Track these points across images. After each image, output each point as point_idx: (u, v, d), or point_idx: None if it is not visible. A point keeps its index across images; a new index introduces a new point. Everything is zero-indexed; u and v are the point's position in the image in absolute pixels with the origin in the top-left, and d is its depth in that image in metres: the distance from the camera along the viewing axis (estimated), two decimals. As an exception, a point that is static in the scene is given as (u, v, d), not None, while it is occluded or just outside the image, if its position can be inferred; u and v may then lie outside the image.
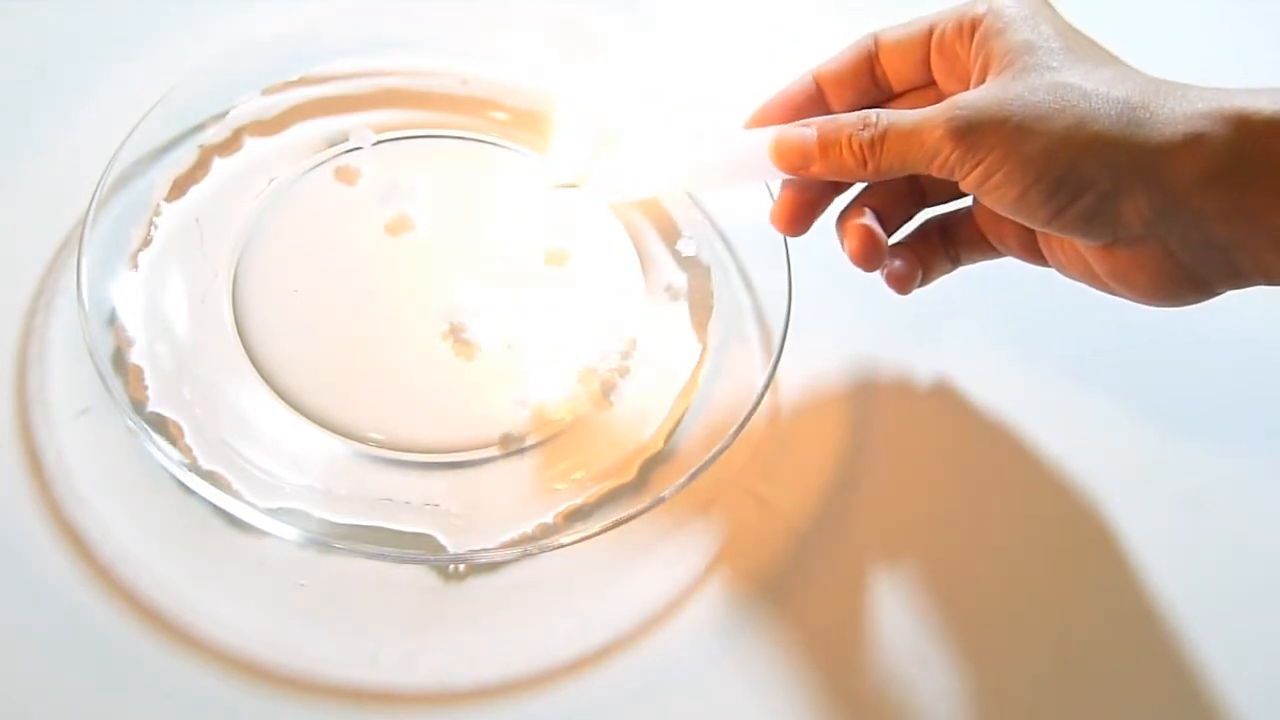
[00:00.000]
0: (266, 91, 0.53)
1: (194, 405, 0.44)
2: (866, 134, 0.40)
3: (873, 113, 0.40)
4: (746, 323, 0.51)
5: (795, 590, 0.45)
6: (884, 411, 0.50)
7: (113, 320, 0.46)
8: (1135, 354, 0.54)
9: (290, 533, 0.41)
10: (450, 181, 0.53)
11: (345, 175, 0.52)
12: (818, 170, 0.41)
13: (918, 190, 0.46)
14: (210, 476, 0.42)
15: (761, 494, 0.47)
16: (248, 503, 0.42)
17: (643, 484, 0.46)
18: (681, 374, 0.49)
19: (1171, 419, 0.52)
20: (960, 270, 0.47)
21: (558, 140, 0.50)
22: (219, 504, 0.41)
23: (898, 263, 0.45)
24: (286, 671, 0.40)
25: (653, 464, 0.46)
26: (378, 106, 0.55)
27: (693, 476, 0.43)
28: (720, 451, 0.44)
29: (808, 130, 0.41)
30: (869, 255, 0.43)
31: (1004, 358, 0.52)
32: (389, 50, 0.55)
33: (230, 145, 0.52)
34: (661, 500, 0.43)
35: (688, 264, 0.52)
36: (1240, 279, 0.39)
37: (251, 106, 0.53)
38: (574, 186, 0.46)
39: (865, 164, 0.40)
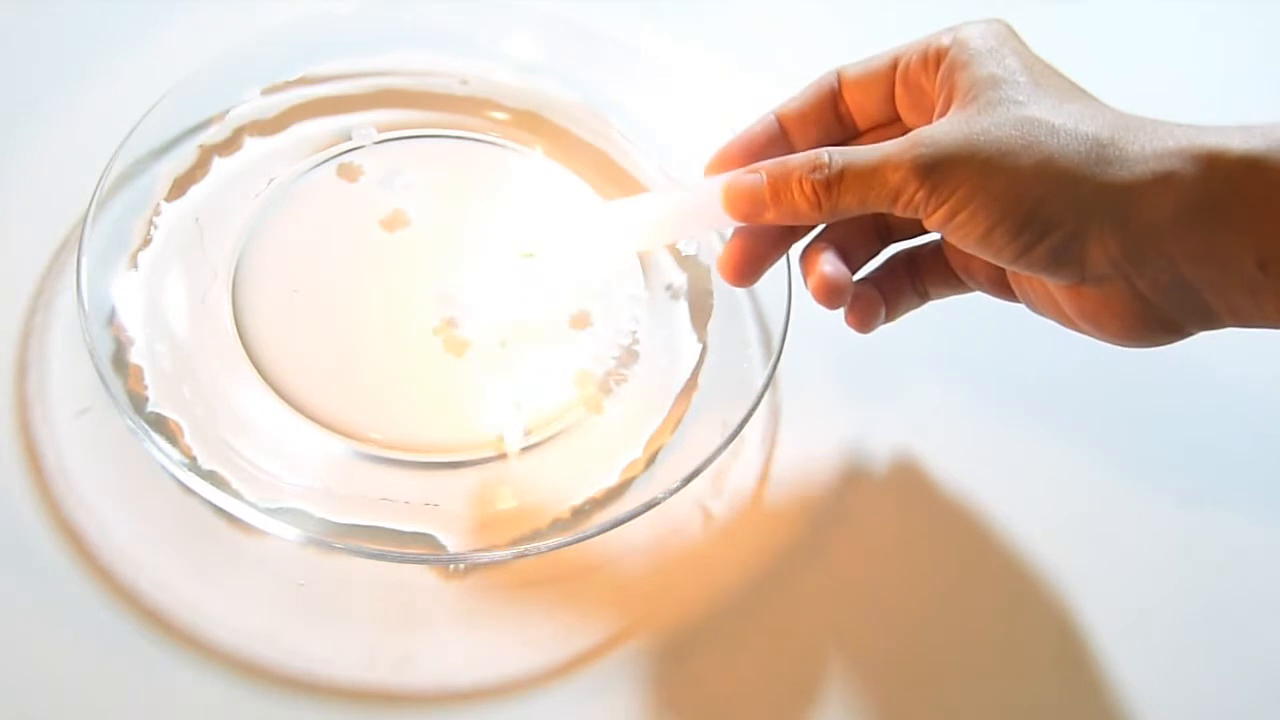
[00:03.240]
0: (266, 91, 0.53)
1: (194, 405, 0.44)
2: (819, 175, 0.38)
3: (824, 152, 0.39)
4: (746, 323, 0.51)
5: (793, 592, 0.45)
6: (884, 413, 0.50)
7: (113, 320, 0.46)
8: (1136, 354, 0.54)
9: (290, 533, 0.41)
10: (450, 181, 0.53)
11: (346, 173, 0.52)
12: (771, 217, 0.40)
13: (882, 226, 0.44)
14: (210, 476, 0.42)
15: (763, 490, 0.47)
16: (248, 503, 0.42)
17: (642, 484, 0.46)
18: (681, 374, 0.49)
19: (1171, 421, 0.52)
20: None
21: (514, 209, 0.50)
22: (219, 504, 0.41)
23: (858, 301, 0.43)
24: (286, 671, 0.40)
25: (652, 464, 0.46)
26: (378, 106, 0.55)
27: (692, 477, 0.43)
28: (720, 451, 0.44)
29: (756, 176, 0.40)
30: (831, 294, 0.41)
31: (1005, 357, 0.52)
32: (389, 50, 0.55)
33: (230, 145, 0.52)
34: (661, 500, 0.43)
35: (688, 264, 0.52)
36: (1211, 320, 0.38)
37: (251, 106, 0.53)
38: (530, 255, 0.46)
39: (820, 206, 0.39)
